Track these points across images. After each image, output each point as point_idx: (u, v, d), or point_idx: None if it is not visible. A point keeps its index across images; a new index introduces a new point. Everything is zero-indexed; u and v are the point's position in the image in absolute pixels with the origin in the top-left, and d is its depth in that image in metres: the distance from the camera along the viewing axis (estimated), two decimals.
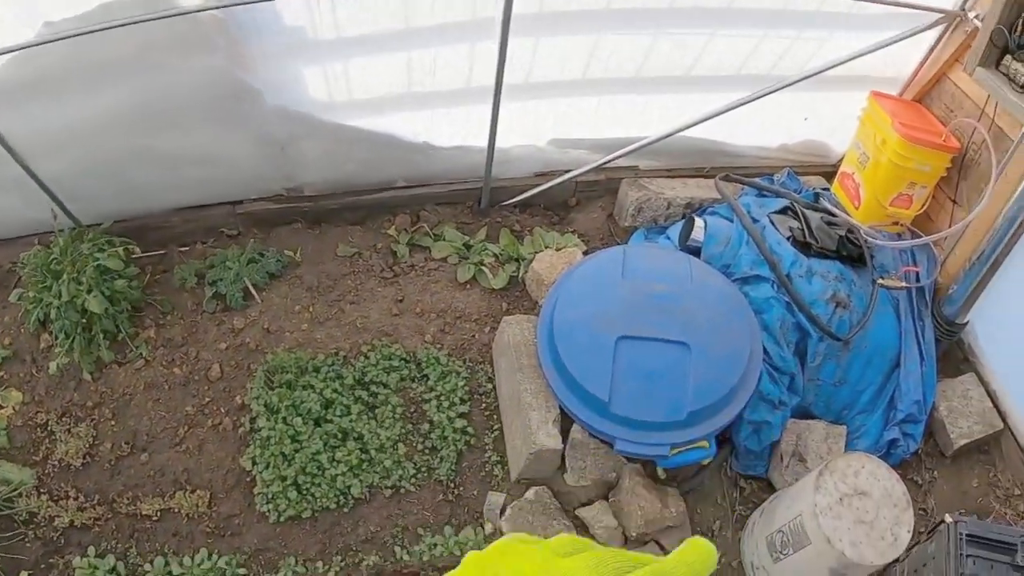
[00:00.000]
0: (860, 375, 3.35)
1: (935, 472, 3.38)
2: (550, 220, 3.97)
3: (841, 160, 3.88)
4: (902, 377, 3.33)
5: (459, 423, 3.22)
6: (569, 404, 2.90)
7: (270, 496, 3.00)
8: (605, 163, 3.80)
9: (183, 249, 3.63)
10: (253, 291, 3.45)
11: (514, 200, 3.92)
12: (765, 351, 3.12)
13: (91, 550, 2.94)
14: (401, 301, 3.56)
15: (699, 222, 3.45)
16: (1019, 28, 3.00)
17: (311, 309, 3.47)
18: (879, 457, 3.03)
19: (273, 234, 3.71)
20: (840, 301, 3.23)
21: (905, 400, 3.28)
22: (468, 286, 3.64)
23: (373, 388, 3.27)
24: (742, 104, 3.59)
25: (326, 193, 3.73)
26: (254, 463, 3.05)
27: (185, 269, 3.49)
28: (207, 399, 3.22)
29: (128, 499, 3.03)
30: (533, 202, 3.96)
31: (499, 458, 3.19)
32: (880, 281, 3.33)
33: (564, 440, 3.00)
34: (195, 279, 3.48)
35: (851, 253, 3.38)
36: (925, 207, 3.56)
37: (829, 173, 4.04)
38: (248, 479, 3.06)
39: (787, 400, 3.17)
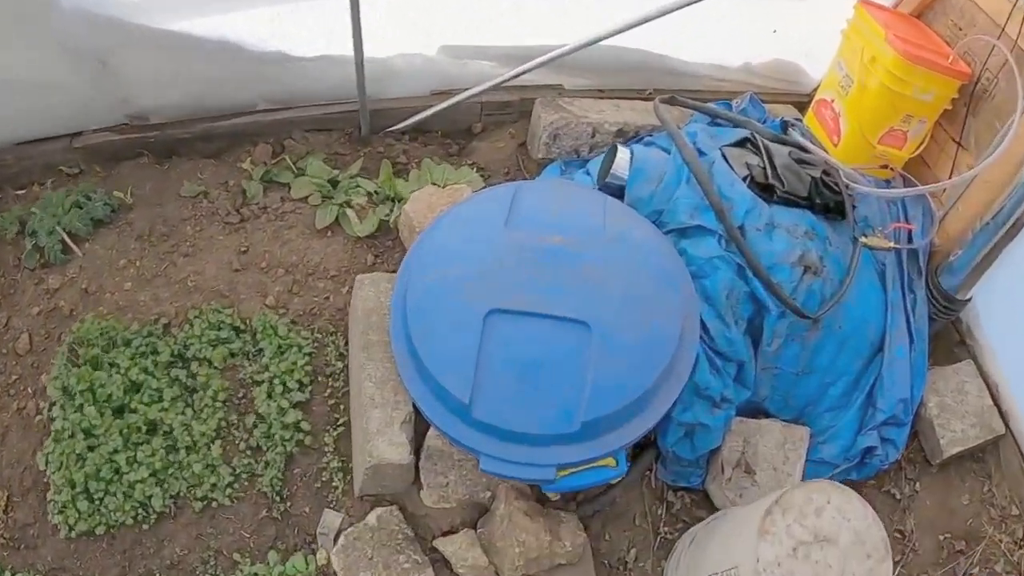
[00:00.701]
0: (831, 362, 2.84)
1: (917, 484, 2.95)
2: (447, 151, 3.46)
3: (817, 88, 3.44)
4: (885, 366, 2.85)
5: (292, 416, 2.61)
6: (423, 402, 2.19)
7: (60, 505, 2.56)
8: (512, 78, 3.20)
9: (19, 192, 3.23)
10: (70, 242, 3.02)
11: (401, 126, 3.36)
12: (705, 330, 2.53)
13: None
14: (245, 252, 3.04)
15: (623, 152, 2.84)
16: None
17: (138, 264, 3.00)
18: (851, 468, 2.81)
19: (116, 171, 3.28)
20: (810, 265, 2.70)
21: (888, 397, 2.80)
22: (329, 233, 3.08)
23: (194, 367, 2.75)
24: (693, 2, 2.99)
25: (175, 120, 3.29)
26: (47, 462, 2.62)
27: (6, 217, 3.10)
28: (14, 377, 2.81)
29: None
30: (428, 128, 3.43)
31: (341, 464, 2.61)
32: (863, 240, 2.84)
33: (420, 446, 2.36)
34: (17, 228, 3.08)
35: (826, 201, 2.85)
36: (922, 148, 3.12)
37: (802, 104, 3.62)
38: (45, 481, 2.63)
39: (732, 396, 2.63)
